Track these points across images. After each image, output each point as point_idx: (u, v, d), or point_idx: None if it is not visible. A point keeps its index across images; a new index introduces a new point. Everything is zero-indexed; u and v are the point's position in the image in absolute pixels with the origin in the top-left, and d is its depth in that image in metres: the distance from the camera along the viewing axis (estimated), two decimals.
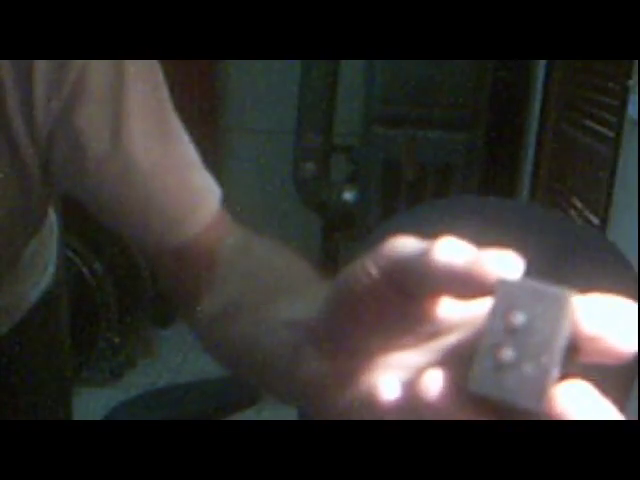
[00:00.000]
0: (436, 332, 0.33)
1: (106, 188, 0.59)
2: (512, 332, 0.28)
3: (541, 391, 0.27)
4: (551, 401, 0.27)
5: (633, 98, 1.67)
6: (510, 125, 2.69)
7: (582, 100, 2.15)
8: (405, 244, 0.32)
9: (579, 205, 2.07)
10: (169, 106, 0.61)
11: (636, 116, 1.62)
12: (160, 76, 0.60)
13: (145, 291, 2.67)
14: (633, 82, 1.69)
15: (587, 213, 1.96)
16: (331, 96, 2.60)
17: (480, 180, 2.54)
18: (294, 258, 0.57)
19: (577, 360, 0.29)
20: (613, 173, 1.78)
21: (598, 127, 1.97)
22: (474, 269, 0.29)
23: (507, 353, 0.28)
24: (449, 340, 0.33)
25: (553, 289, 0.28)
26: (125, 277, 2.57)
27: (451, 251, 0.30)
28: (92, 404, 1.32)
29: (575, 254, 0.95)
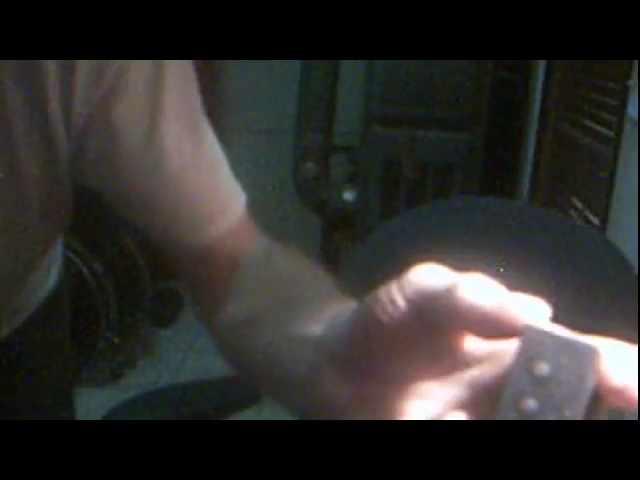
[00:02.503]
0: (462, 364, 0.33)
1: (135, 184, 0.59)
2: (536, 382, 0.28)
3: None
4: None
5: (633, 98, 1.67)
6: (510, 125, 2.69)
7: (582, 100, 2.15)
8: (432, 274, 0.31)
9: (579, 205, 2.07)
10: (200, 108, 0.61)
11: (636, 116, 1.62)
12: (193, 77, 0.60)
13: (145, 291, 2.67)
14: (633, 82, 1.69)
15: (587, 213, 1.96)
16: (331, 96, 2.60)
17: (480, 180, 2.54)
18: (315, 270, 0.57)
19: (600, 409, 0.28)
20: (613, 173, 1.78)
21: (598, 127, 1.97)
22: (501, 313, 0.28)
23: (530, 404, 0.27)
24: (475, 373, 0.33)
25: (580, 342, 0.28)
26: (125, 277, 2.57)
27: (478, 291, 0.29)
28: (92, 404, 1.32)
29: (575, 254, 0.95)
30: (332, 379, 0.36)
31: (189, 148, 0.60)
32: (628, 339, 0.28)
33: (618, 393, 0.27)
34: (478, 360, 0.33)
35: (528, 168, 2.56)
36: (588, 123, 2.07)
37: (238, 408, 1.06)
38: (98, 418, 1.00)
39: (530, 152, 2.55)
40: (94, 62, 0.55)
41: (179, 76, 0.59)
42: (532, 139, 2.53)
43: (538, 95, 2.48)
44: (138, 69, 0.56)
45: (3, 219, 0.60)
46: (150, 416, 1.03)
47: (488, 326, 0.29)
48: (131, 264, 2.61)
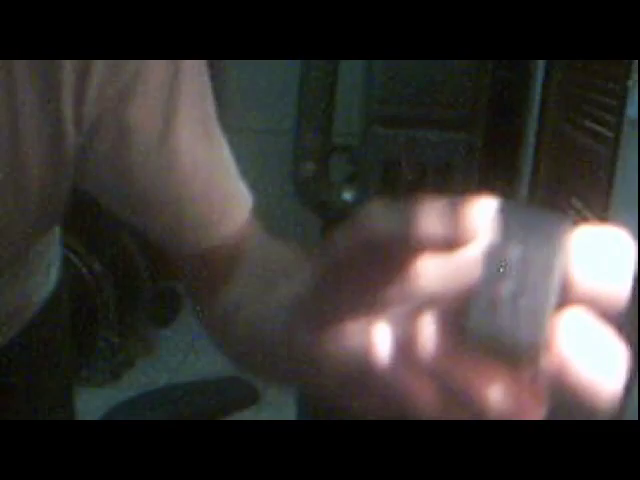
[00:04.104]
0: (422, 287, 0.33)
1: (144, 185, 0.59)
2: (508, 266, 0.27)
3: (540, 324, 0.27)
4: (551, 332, 0.27)
5: (633, 98, 1.67)
6: (510, 125, 2.68)
7: (582, 100, 2.15)
8: (384, 211, 0.32)
9: (579, 205, 2.07)
10: (213, 111, 0.61)
11: (636, 116, 1.62)
12: (207, 78, 0.60)
13: (145, 291, 2.67)
14: (633, 82, 1.69)
15: (587, 213, 1.96)
16: (331, 96, 2.60)
17: (480, 180, 2.54)
18: (301, 254, 0.58)
19: (574, 296, 0.28)
20: (613, 173, 1.78)
21: (598, 127, 1.97)
22: (456, 217, 0.29)
23: (504, 287, 0.27)
24: (436, 293, 0.32)
25: (548, 219, 0.28)
26: (125, 277, 2.57)
27: (430, 210, 0.29)
28: (92, 404, 1.32)
29: None
30: (303, 333, 0.36)
31: (201, 151, 0.60)
32: None
33: (587, 279, 0.27)
34: (439, 280, 0.32)
35: (528, 168, 2.56)
36: (588, 123, 2.07)
37: (238, 408, 1.06)
38: (98, 418, 1.00)
39: (529, 152, 2.55)
40: (110, 61, 0.55)
41: (195, 79, 0.59)
42: (531, 139, 2.53)
43: (538, 95, 2.48)
44: (155, 70, 0.56)
45: (2, 211, 0.60)
46: (150, 416, 1.03)
47: (445, 237, 0.29)
48: (130, 264, 2.61)
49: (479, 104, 2.47)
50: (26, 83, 0.55)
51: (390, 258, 0.31)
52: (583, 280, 0.28)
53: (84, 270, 2.40)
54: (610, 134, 1.84)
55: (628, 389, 0.27)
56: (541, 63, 2.45)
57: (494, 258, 0.28)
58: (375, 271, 0.32)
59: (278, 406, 1.88)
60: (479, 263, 0.28)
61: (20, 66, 0.54)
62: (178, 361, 2.69)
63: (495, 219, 0.28)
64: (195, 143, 0.60)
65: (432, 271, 0.32)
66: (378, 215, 0.32)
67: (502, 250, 0.28)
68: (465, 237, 0.29)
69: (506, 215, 0.28)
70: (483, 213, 0.29)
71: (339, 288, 0.34)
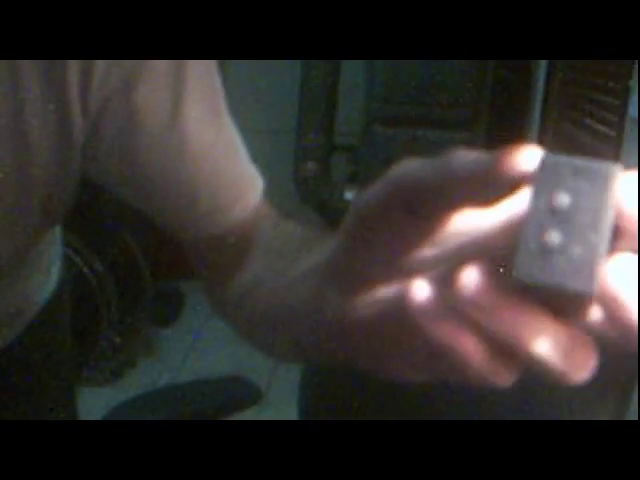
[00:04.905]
0: (462, 239, 0.32)
1: (154, 168, 0.59)
2: (557, 214, 0.27)
3: (592, 271, 0.26)
4: (602, 280, 0.27)
5: (634, 98, 1.67)
6: (511, 125, 2.68)
7: (583, 100, 2.15)
8: (416, 165, 0.31)
9: None
10: (222, 94, 0.61)
11: (637, 116, 1.62)
12: (214, 65, 0.60)
13: (145, 291, 2.67)
14: (634, 82, 1.69)
15: None
16: (331, 96, 2.60)
17: None
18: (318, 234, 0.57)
19: (623, 238, 0.27)
20: None
21: (599, 126, 1.97)
22: (499, 165, 0.27)
23: (554, 236, 0.27)
24: (479, 243, 0.31)
25: (596, 165, 0.27)
26: (126, 277, 2.57)
27: (467, 157, 0.28)
28: (93, 404, 1.32)
29: None
30: (332, 298, 0.35)
31: (211, 132, 0.60)
32: None
33: (634, 224, 0.27)
34: (472, 238, 0.31)
35: None
36: (589, 123, 2.07)
37: (238, 408, 1.06)
38: (98, 418, 1.00)
39: None
40: None
41: (202, 65, 0.59)
42: (533, 138, 2.52)
43: (539, 95, 2.48)
44: None
45: (3, 211, 0.60)
46: (150, 416, 1.03)
47: (485, 186, 0.28)
48: (132, 263, 2.61)
49: (480, 104, 2.47)
50: (31, 74, 0.55)
51: (427, 212, 0.30)
52: (633, 226, 0.27)
53: (85, 269, 2.40)
54: (612, 133, 1.84)
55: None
56: (542, 63, 2.45)
57: (542, 206, 0.27)
58: (410, 227, 0.31)
59: (280, 406, 1.88)
60: (527, 211, 0.28)
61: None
62: (179, 361, 2.69)
63: (543, 167, 0.28)
64: (204, 126, 0.59)
65: (474, 222, 0.31)
66: (410, 167, 0.31)
67: (551, 198, 0.27)
68: (509, 185, 0.28)
69: (554, 163, 0.27)
70: (528, 161, 0.28)
71: (372, 247, 0.33)
